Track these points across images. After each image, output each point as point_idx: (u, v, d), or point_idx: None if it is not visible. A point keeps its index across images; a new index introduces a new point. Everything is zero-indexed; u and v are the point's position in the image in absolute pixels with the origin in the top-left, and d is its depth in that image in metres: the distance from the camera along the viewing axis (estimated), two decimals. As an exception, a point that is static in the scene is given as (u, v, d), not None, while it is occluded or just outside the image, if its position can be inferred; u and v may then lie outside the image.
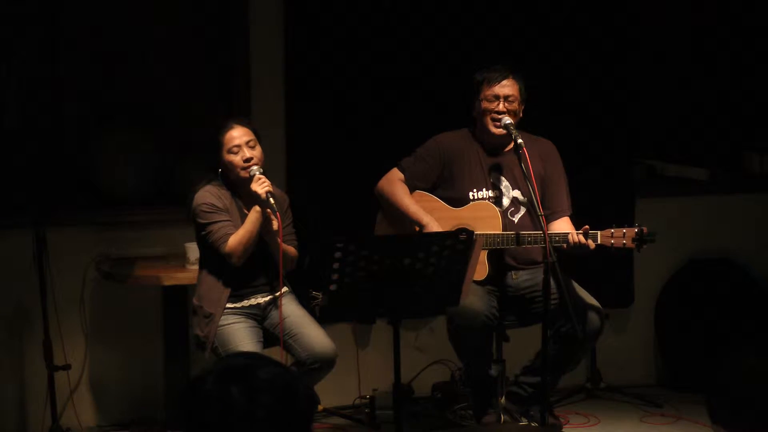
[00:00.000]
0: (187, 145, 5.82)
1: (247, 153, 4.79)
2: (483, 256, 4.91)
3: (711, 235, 6.27)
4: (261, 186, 4.71)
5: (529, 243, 4.90)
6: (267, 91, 5.73)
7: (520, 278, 5.10)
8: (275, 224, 4.73)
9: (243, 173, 4.79)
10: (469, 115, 5.14)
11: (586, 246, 4.82)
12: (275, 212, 4.69)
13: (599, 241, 4.84)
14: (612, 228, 4.85)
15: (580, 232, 4.84)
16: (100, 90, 5.71)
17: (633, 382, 6.09)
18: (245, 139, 4.82)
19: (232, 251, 4.74)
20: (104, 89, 5.71)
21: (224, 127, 4.85)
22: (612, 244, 4.85)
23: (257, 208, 4.73)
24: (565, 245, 4.84)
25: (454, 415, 5.53)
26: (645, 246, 4.87)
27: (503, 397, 5.14)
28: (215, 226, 4.77)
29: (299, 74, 5.71)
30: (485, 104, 5.03)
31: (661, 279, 6.22)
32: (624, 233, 4.84)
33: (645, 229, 4.86)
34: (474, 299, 4.83)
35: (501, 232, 4.95)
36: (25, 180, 5.55)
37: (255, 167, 4.77)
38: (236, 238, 4.74)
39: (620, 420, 5.62)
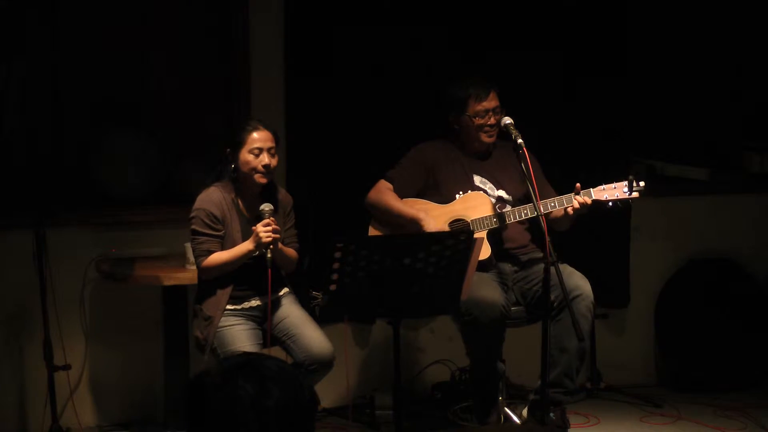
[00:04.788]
0: (187, 145, 5.82)
1: (266, 159, 4.79)
2: (483, 236, 5.01)
3: (711, 235, 6.27)
4: (266, 234, 4.68)
5: (526, 216, 5.00)
6: (267, 91, 5.72)
7: (519, 277, 5.16)
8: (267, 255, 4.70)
9: (257, 177, 4.79)
10: (447, 128, 5.19)
11: (584, 203, 4.91)
12: (268, 256, 4.66)
13: (594, 197, 4.93)
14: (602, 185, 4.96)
15: (574, 192, 4.94)
16: (101, 90, 5.71)
17: (633, 382, 6.09)
18: (268, 144, 4.82)
19: (208, 270, 4.77)
20: (104, 90, 5.71)
21: (249, 126, 4.85)
22: (606, 198, 4.93)
23: (251, 246, 4.71)
24: (570, 209, 4.92)
25: (454, 415, 5.53)
26: (638, 193, 4.94)
27: (503, 397, 5.15)
28: (202, 238, 4.78)
29: (299, 74, 5.71)
30: (477, 120, 5.15)
31: (661, 279, 6.22)
32: (615, 186, 4.95)
33: (632, 177, 4.94)
34: (489, 290, 4.89)
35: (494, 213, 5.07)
36: (25, 180, 5.55)
37: (267, 210, 4.74)
38: (216, 260, 4.76)
39: (620, 420, 5.62)
